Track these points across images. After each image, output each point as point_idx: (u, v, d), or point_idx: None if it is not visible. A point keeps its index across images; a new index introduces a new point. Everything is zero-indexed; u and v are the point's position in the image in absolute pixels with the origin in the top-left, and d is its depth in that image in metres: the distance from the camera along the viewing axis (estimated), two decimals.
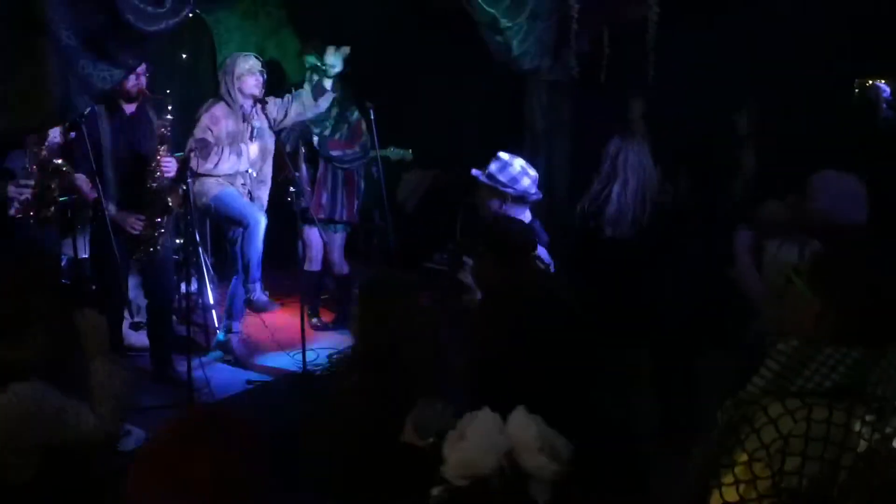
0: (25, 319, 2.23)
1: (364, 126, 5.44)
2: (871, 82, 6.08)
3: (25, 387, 2.16)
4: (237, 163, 4.72)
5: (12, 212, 3.86)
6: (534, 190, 3.71)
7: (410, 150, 6.12)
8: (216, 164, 4.65)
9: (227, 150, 4.66)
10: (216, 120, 4.69)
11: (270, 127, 4.87)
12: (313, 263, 5.48)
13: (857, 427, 1.58)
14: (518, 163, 3.72)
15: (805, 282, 1.73)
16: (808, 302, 1.71)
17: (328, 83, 4.99)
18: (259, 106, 4.76)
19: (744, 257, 3.32)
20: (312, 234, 5.39)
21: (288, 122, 5.03)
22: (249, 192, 4.86)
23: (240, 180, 4.81)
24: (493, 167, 3.70)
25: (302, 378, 4.65)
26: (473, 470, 1.80)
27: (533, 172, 3.74)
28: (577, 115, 5.41)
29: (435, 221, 6.46)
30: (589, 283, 3.69)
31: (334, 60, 4.93)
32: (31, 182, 3.87)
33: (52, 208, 4.00)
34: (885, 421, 1.60)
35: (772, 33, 5.38)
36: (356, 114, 5.46)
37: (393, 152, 6.01)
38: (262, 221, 4.77)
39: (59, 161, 4.02)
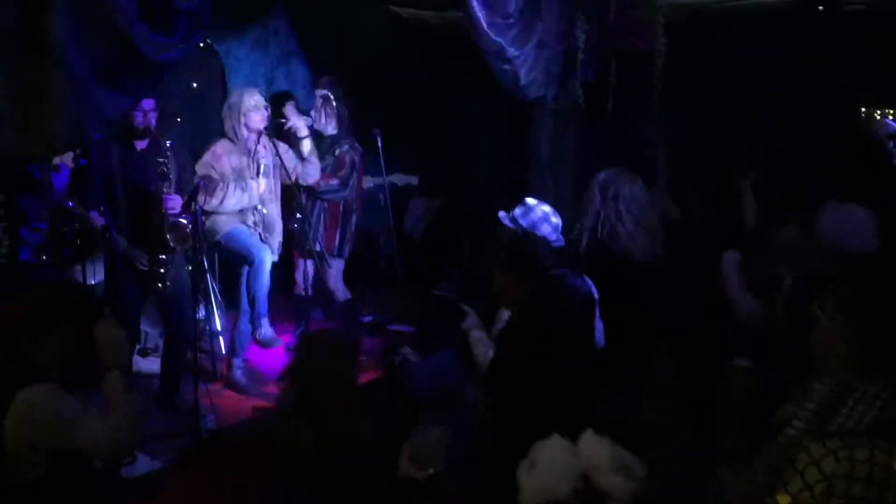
0: (52, 321, 2.31)
1: (349, 159, 5.41)
2: (878, 115, 6.06)
3: (45, 388, 2.23)
4: (242, 197, 4.76)
5: (27, 255, 3.87)
6: (554, 237, 3.72)
7: (416, 177, 6.15)
8: (222, 201, 4.69)
9: (232, 186, 4.70)
10: (217, 157, 4.74)
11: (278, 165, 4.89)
12: (300, 288, 5.48)
13: None
14: (541, 209, 3.77)
15: (831, 319, 1.73)
16: (838, 339, 1.70)
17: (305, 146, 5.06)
18: (266, 141, 4.79)
19: (732, 279, 3.33)
20: (300, 262, 5.42)
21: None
22: (260, 234, 4.88)
23: (251, 218, 4.85)
24: (517, 211, 3.77)
25: None
26: (549, 496, 1.80)
27: (556, 220, 3.77)
28: (582, 144, 5.43)
29: (442, 249, 6.47)
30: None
31: (298, 123, 5.04)
32: (44, 226, 3.88)
33: (64, 250, 4.03)
34: None
35: (777, 61, 5.41)
36: (346, 147, 5.45)
37: (399, 178, 6.05)
38: (268, 259, 4.82)
39: (71, 204, 4.04)
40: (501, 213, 3.83)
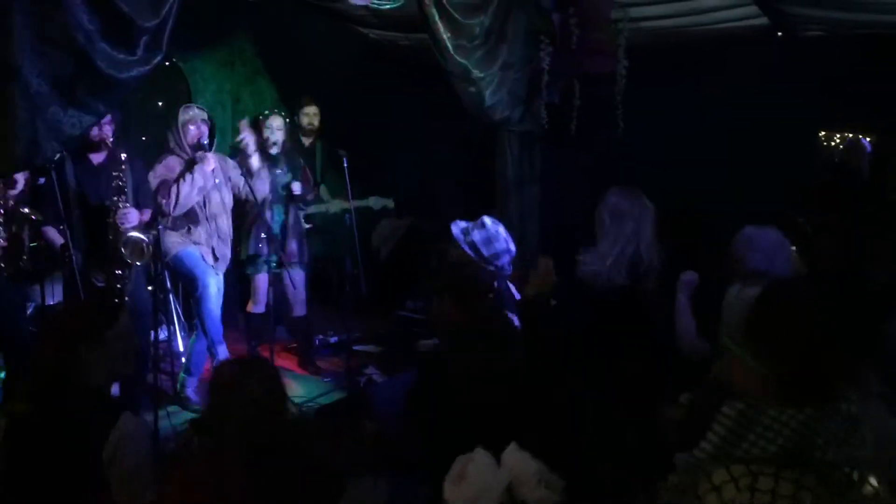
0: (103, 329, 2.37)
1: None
2: (850, 135, 6.15)
3: (139, 422, 2.36)
4: (196, 182, 4.68)
5: None
6: (509, 269, 3.70)
7: (392, 199, 6.15)
8: (178, 195, 4.64)
9: (186, 183, 4.66)
10: (171, 168, 4.74)
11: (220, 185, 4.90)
12: (259, 306, 5.43)
13: (806, 500, 1.49)
14: (502, 237, 3.68)
15: (741, 345, 1.69)
16: (745, 362, 1.67)
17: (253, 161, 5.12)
18: (211, 156, 4.77)
19: (681, 297, 3.35)
20: (258, 278, 5.38)
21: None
22: (213, 249, 4.85)
23: (201, 236, 4.81)
24: (477, 237, 3.65)
25: None
26: None
27: (513, 248, 3.72)
28: (547, 165, 5.47)
29: (408, 269, 6.46)
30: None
31: (248, 139, 5.12)
32: (1, 233, 3.84)
33: (24, 257, 3.98)
34: (836, 492, 1.51)
35: (739, 84, 5.50)
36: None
37: (374, 202, 6.04)
38: (214, 285, 4.81)
39: (27, 210, 4.01)
40: (456, 232, 3.71)
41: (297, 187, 5.29)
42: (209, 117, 4.89)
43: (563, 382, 2.79)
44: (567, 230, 5.08)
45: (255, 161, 5.12)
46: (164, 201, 4.59)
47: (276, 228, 5.30)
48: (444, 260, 3.63)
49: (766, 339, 1.66)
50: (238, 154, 5.16)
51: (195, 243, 4.82)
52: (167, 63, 6.04)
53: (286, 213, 5.37)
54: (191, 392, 4.94)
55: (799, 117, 5.51)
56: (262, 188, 5.16)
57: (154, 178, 4.68)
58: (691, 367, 3.47)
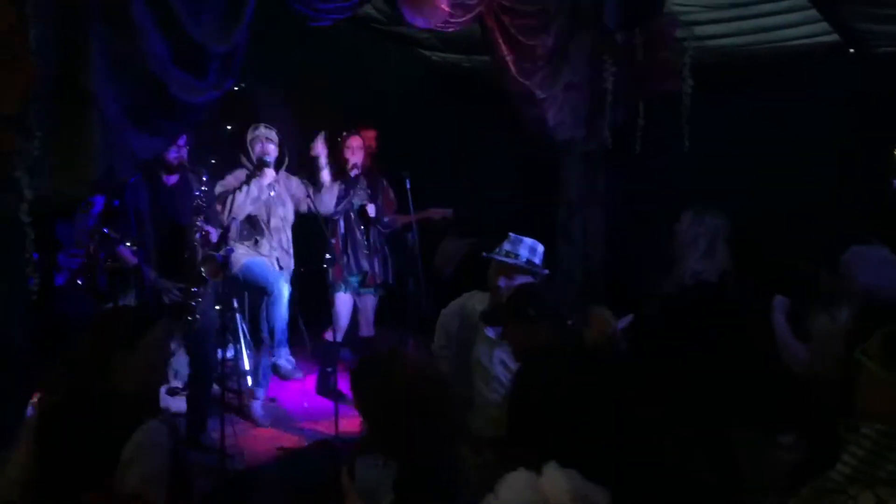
0: (137, 336, 2.42)
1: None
2: None
3: (163, 428, 2.35)
4: (255, 193, 4.86)
5: (61, 281, 3.98)
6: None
7: (451, 209, 6.18)
8: (232, 204, 4.82)
9: (241, 193, 4.82)
10: (238, 179, 4.96)
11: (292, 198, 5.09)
12: (338, 334, 5.50)
13: None
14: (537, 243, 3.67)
15: (879, 363, 1.66)
16: (887, 383, 1.64)
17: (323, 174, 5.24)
18: (277, 175, 4.96)
19: (782, 326, 3.27)
20: (341, 301, 5.43)
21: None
22: (277, 260, 5.00)
23: (265, 248, 4.95)
24: (524, 251, 3.59)
25: (332, 445, 4.62)
26: None
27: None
28: (611, 186, 5.42)
29: (471, 289, 6.45)
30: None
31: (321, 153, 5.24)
32: (81, 251, 4.01)
33: (101, 275, 4.15)
34: None
35: (809, 102, 5.38)
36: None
37: (434, 212, 6.05)
38: (286, 290, 4.97)
39: (107, 230, 4.18)
40: (499, 258, 3.57)
41: (371, 209, 5.37)
42: (277, 136, 5.04)
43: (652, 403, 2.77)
44: (633, 251, 5.03)
45: (325, 175, 5.24)
46: (219, 207, 4.78)
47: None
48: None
49: None
50: (308, 167, 5.29)
51: (261, 254, 4.98)
52: (236, 87, 6.18)
53: (367, 235, 5.44)
54: (257, 407, 5.02)
55: (872, 136, 5.35)
56: (329, 203, 5.24)
57: (219, 187, 4.88)
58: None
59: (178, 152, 4.34)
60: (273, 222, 5.04)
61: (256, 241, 5.02)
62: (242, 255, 4.96)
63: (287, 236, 5.13)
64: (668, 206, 4.11)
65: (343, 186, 5.30)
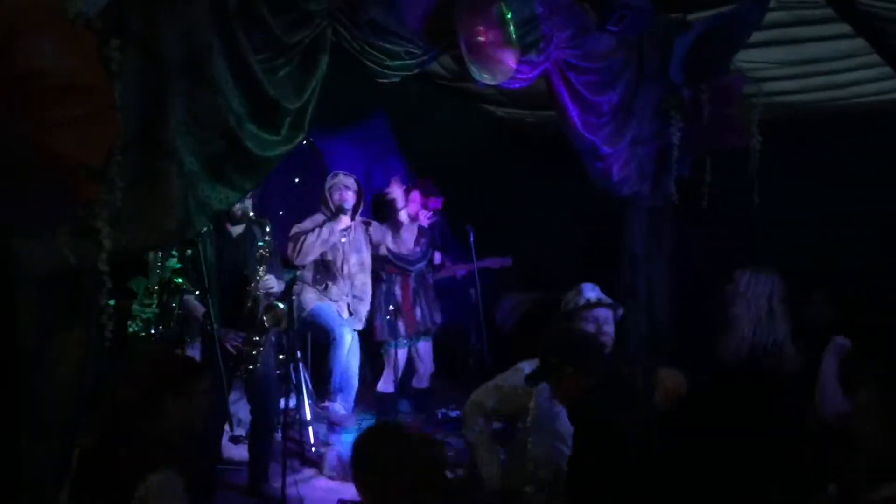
0: (163, 391, 2.49)
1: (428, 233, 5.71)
2: None
3: (174, 478, 2.40)
4: (326, 236, 4.97)
5: (136, 328, 4.10)
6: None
7: (510, 258, 6.22)
8: (303, 244, 4.94)
9: (312, 235, 4.92)
10: (315, 222, 5.10)
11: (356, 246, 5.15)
12: (388, 384, 5.52)
13: None
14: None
15: None
16: None
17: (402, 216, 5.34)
18: (356, 222, 5.06)
19: (829, 366, 3.19)
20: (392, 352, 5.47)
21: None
22: (348, 305, 5.06)
23: (335, 293, 5.02)
24: (592, 294, 3.73)
25: None
26: None
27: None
28: (677, 242, 5.34)
29: (533, 344, 6.39)
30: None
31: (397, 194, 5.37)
32: (154, 301, 4.14)
33: (171, 324, 4.27)
34: None
35: (883, 159, 5.25)
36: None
37: (493, 261, 6.10)
38: (348, 337, 5.00)
39: (180, 280, 4.30)
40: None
41: (437, 257, 5.49)
42: (356, 182, 5.18)
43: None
44: (698, 308, 4.93)
45: (403, 216, 5.34)
46: (290, 245, 4.94)
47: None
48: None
49: None
50: (384, 208, 5.40)
51: (331, 300, 5.06)
52: (304, 141, 6.35)
53: (419, 281, 5.52)
54: (331, 456, 5.03)
55: None
56: (409, 241, 5.34)
57: (295, 228, 5.06)
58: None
59: (242, 203, 4.44)
60: (346, 268, 5.14)
61: (326, 286, 5.10)
62: (312, 299, 5.10)
63: (362, 282, 5.21)
64: (735, 262, 4.04)
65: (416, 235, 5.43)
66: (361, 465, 2.40)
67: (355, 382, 5.13)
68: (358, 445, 2.46)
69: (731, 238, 5.43)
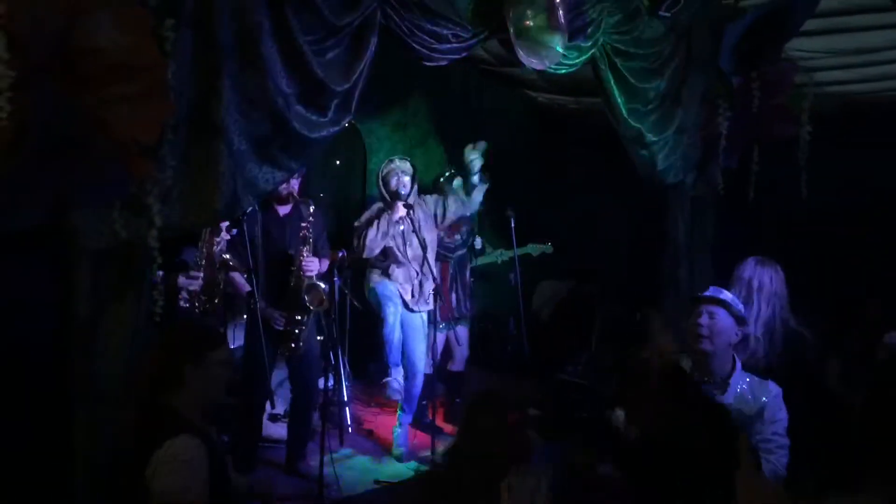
0: (183, 363, 2.54)
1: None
2: None
3: (194, 442, 2.43)
4: (385, 227, 4.94)
5: (182, 302, 4.18)
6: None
7: (550, 244, 6.19)
8: (364, 239, 4.92)
9: (372, 229, 4.91)
10: (373, 212, 5.07)
11: (416, 230, 5.03)
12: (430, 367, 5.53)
13: None
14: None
15: None
16: None
17: (475, 178, 5.15)
18: (398, 208, 4.98)
19: None
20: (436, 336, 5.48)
21: (448, 219, 5.22)
22: (412, 287, 5.07)
23: (400, 276, 5.02)
24: (728, 296, 3.43)
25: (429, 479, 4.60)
26: None
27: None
28: (722, 232, 5.28)
29: (569, 332, 6.38)
30: None
31: (472, 156, 5.10)
32: (200, 274, 4.21)
33: (217, 300, 4.34)
34: None
35: None
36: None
37: (532, 248, 6.10)
38: (392, 315, 4.99)
39: (227, 256, 4.37)
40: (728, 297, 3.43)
41: (478, 242, 5.48)
42: (412, 166, 5.16)
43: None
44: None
45: (475, 178, 5.21)
46: (354, 240, 4.95)
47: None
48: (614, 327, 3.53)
49: None
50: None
51: (390, 279, 5.06)
52: (347, 124, 6.37)
53: (457, 268, 5.52)
54: (400, 433, 5.14)
55: None
56: (477, 198, 5.27)
57: (357, 222, 5.05)
58: None
59: (287, 184, 4.48)
60: (409, 252, 5.10)
61: (389, 269, 5.11)
62: (375, 278, 5.14)
63: (427, 264, 5.06)
64: (782, 254, 3.99)
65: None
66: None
67: (418, 363, 5.11)
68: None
69: (777, 229, 5.35)
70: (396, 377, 5.00)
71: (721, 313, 3.32)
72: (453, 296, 5.62)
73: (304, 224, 4.58)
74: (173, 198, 2.86)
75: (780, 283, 3.75)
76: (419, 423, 5.43)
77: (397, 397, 5.04)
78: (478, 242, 5.53)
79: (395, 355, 5.02)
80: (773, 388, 3.18)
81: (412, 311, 5.10)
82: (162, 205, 2.78)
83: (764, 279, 3.71)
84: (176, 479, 2.37)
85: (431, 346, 5.32)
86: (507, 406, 2.52)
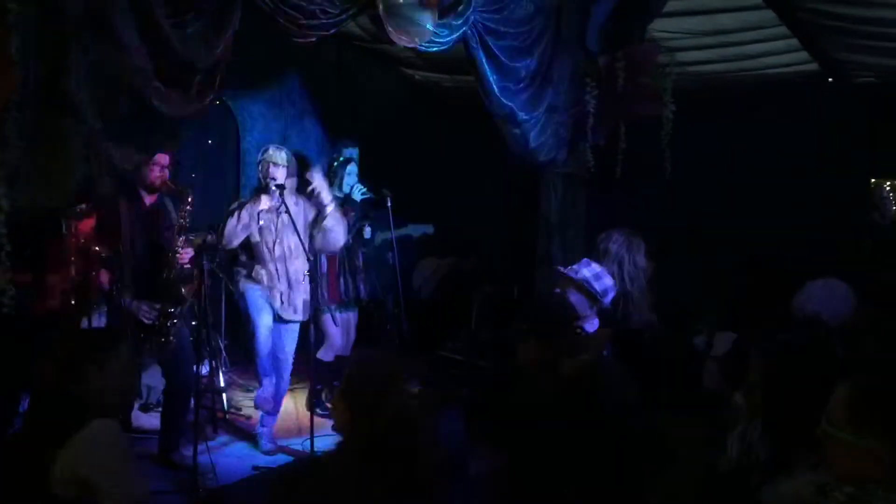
0: (110, 352, 2.45)
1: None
2: (888, 186, 6.01)
3: (111, 424, 2.35)
4: (246, 219, 4.64)
5: (53, 304, 3.90)
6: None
7: (432, 226, 6.19)
8: (223, 229, 4.62)
9: (233, 218, 4.62)
10: (254, 202, 4.70)
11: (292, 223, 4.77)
12: (331, 353, 5.44)
13: None
14: (608, 275, 3.62)
15: (850, 430, 1.66)
16: (858, 447, 1.65)
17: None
18: (294, 198, 4.76)
19: None
20: (329, 321, 5.39)
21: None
22: (280, 294, 4.78)
23: (264, 278, 4.76)
24: (588, 273, 3.54)
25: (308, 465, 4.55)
26: None
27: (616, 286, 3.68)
28: (592, 209, 5.44)
29: (450, 309, 6.45)
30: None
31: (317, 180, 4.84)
32: (71, 270, 3.93)
33: (91, 295, 4.10)
34: None
35: (788, 129, 5.45)
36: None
37: (413, 229, 6.07)
38: (264, 326, 4.75)
39: (98, 248, 4.10)
40: (562, 269, 3.63)
41: (367, 231, 5.40)
42: (287, 156, 4.75)
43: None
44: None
45: (329, 211, 4.85)
46: (219, 228, 4.63)
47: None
48: (491, 306, 3.61)
49: (883, 418, 1.64)
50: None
51: (257, 282, 4.79)
52: (217, 101, 6.16)
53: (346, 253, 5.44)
54: (262, 432, 4.95)
55: (849, 164, 5.43)
56: (337, 240, 5.08)
57: (231, 207, 4.75)
58: None
59: (160, 172, 4.25)
60: (278, 250, 4.74)
61: (253, 270, 4.77)
62: (242, 281, 4.81)
63: (303, 265, 4.71)
64: (651, 229, 4.15)
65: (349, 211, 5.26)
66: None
67: (287, 366, 4.92)
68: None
69: (646, 205, 5.56)
70: (267, 387, 4.85)
71: (570, 291, 3.48)
72: (341, 280, 5.51)
73: (178, 213, 4.37)
74: (22, 180, 2.69)
75: (641, 255, 3.90)
76: (314, 409, 5.35)
77: (267, 407, 4.89)
78: (367, 232, 5.43)
79: (265, 367, 4.83)
80: None
81: (284, 321, 4.82)
82: (8, 188, 2.60)
83: (622, 251, 3.87)
84: (116, 457, 2.33)
85: (345, 329, 5.27)
86: (387, 378, 2.49)
